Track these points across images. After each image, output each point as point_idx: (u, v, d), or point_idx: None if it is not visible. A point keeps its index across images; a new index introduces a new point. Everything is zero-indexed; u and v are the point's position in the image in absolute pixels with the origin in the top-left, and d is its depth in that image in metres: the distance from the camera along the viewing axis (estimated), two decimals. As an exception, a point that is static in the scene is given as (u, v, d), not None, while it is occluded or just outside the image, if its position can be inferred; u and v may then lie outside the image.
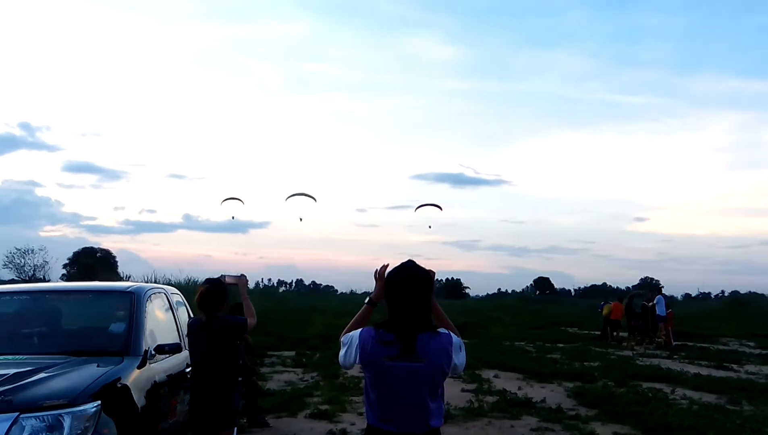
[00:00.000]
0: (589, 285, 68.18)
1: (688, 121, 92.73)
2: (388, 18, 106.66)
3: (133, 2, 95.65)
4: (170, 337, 4.22)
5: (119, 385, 3.19)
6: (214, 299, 3.55)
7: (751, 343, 16.61)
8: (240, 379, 3.86)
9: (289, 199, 15.70)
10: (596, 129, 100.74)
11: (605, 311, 17.15)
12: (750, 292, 34.54)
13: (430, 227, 18.71)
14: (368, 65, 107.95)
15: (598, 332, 18.03)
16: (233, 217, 18.02)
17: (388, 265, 2.28)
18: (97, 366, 3.25)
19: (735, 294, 39.66)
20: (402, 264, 2.28)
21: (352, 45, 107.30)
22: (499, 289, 66.50)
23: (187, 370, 3.95)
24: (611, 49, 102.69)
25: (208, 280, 3.66)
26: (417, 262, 2.29)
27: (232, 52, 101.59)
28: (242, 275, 3.80)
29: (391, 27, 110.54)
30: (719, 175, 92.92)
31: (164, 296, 4.61)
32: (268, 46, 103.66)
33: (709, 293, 53.83)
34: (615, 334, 16.74)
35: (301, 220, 17.39)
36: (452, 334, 2.21)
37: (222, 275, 3.73)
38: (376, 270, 2.31)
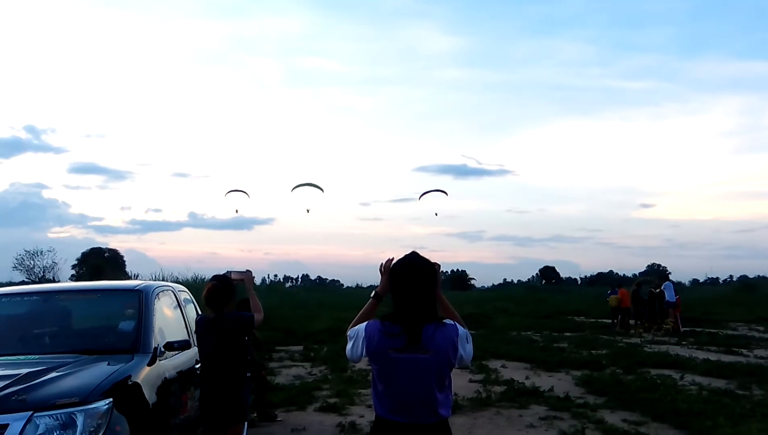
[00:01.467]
0: (595, 273, 68.12)
1: (691, 105, 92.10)
2: (386, 10, 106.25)
3: (132, 3, 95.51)
4: (179, 334, 4.26)
5: (130, 383, 3.22)
6: (222, 296, 3.57)
7: (760, 328, 16.53)
8: (248, 374, 3.89)
9: (296, 190, 14.77)
10: (599, 116, 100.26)
11: (613, 302, 17.04)
12: (758, 276, 34.41)
13: (436, 214, 17.83)
14: (367, 58, 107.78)
15: (607, 320, 17.99)
16: (237, 211, 17.18)
17: (393, 259, 2.28)
18: (108, 364, 3.28)
19: (743, 278, 39.50)
20: (406, 256, 2.28)
21: (350, 38, 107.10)
22: (505, 280, 66.62)
23: (197, 366, 3.99)
24: (612, 34, 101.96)
25: (215, 277, 3.68)
26: (421, 254, 2.29)
27: (231, 50, 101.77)
28: (248, 271, 3.81)
29: (389, 19, 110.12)
30: (724, 159, 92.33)
31: (172, 294, 4.65)
32: (266, 42, 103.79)
33: (717, 278, 53.62)
34: (632, 322, 16.61)
35: (308, 211, 16.06)
36: (458, 325, 2.22)
37: (228, 271, 3.74)
38: (382, 263, 2.31)
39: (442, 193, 15.70)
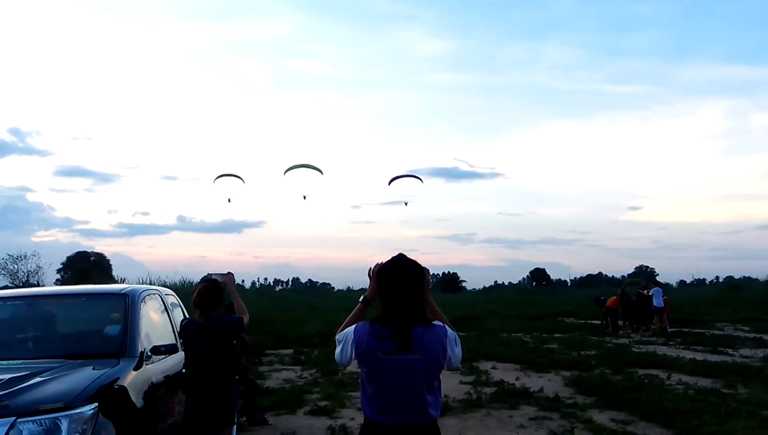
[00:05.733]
0: (584, 275, 68.64)
1: (678, 108, 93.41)
2: (375, 13, 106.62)
3: (120, 5, 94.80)
4: (166, 338, 4.21)
5: (116, 387, 3.18)
6: (212, 298, 3.52)
7: (746, 328, 16.78)
8: (237, 377, 3.86)
9: (289, 173, 12.71)
10: (587, 119, 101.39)
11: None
12: (744, 276, 34.79)
13: (406, 204, 15.82)
14: (357, 61, 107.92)
15: (596, 322, 18.17)
16: (229, 200, 14.08)
17: (381, 264, 2.29)
18: (93, 369, 3.24)
19: (729, 279, 39.88)
20: (393, 258, 2.28)
21: (340, 41, 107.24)
22: (496, 282, 66.96)
23: (184, 370, 3.95)
24: (599, 39, 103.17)
25: (205, 279, 3.64)
26: (408, 256, 2.29)
27: (220, 52, 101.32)
28: (229, 273, 3.77)
29: (379, 22, 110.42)
30: (710, 162, 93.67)
31: (159, 298, 4.60)
32: (255, 45, 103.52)
33: (704, 279, 54.18)
34: (620, 322, 16.75)
35: (305, 198, 13.78)
36: (447, 326, 2.22)
37: (208, 274, 3.70)
38: (370, 268, 2.30)
39: (417, 179, 13.61)
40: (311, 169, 12.80)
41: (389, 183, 13.37)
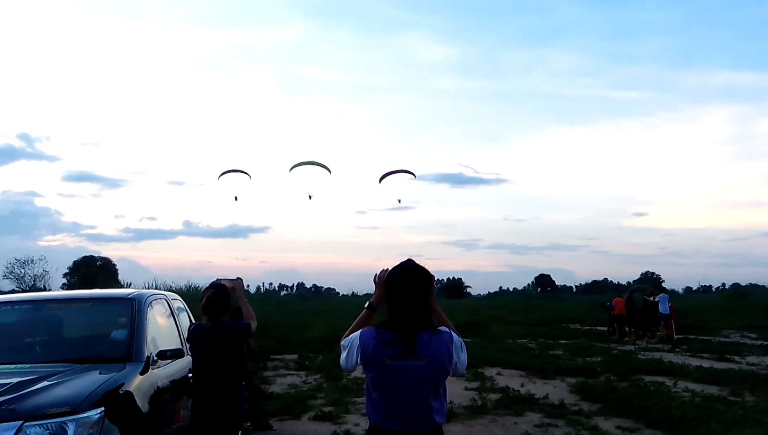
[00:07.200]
0: (590, 281, 68.35)
1: (683, 115, 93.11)
2: (380, 20, 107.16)
3: (128, 11, 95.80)
4: (172, 342, 4.23)
5: (122, 392, 3.19)
6: (220, 304, 3.55)
7: (753, 335, 16.63)
8: (243, 383, 3.87)
9: (295, 170, 12.24)
10: (592, 125, 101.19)
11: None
12: (750, 283, 34.56)
13: (399, 201, 14.49)
14: (362, 67, 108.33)
15: (602, 328, 18.06)
16: (236, 199, 13.43)
17: (387, 270, 2.29)
18: (100, 373, 3.26)
19: (736, 286, 39.67)
20: (401, 263, 2.29)
21: (345, 47, 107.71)
22: (501, 288, 66.54)
23: (190, 375, 3.96)
24: (604, 45, 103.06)
25: (213, 285, 3.66)
26: (416, 262, 2.30)
27: (227, 58, 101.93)
28: (238, 278, 3.79)
29: (383, 28, 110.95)
30: (716, 168, 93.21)
31: (165, 302, 4.62)
32: (262, 51, 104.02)
33: (710, 286, 53.86)
34: (626, 329, 16.67)
35: (310, 197, 13.16)
36: (453, 332, 2.23)
37: (217, 279, 3.72)
38: (376, 274, 2.31)
39: (410, 175, 12.93)
40: (318, 166, 12.40)
41: (380, 180, 12.85)
